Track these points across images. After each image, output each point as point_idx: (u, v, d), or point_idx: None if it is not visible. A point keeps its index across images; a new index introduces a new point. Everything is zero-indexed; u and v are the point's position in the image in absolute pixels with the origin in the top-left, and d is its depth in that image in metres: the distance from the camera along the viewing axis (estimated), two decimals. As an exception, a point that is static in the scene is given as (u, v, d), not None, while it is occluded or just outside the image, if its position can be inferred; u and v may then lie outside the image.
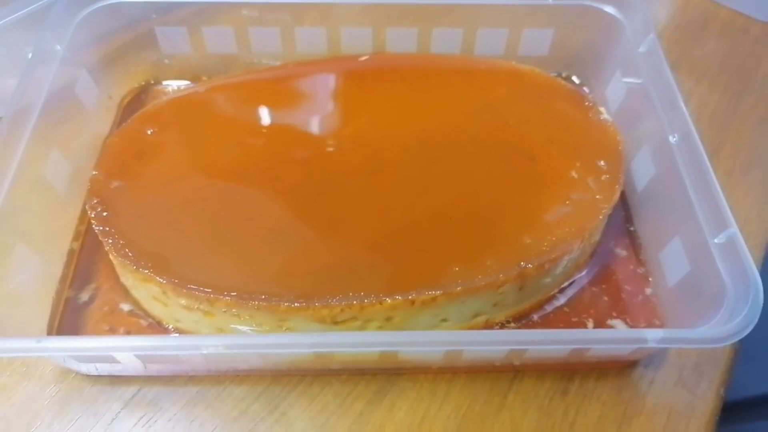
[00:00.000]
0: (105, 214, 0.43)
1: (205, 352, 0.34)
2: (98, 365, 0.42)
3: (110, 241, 0.42)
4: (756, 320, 0.36)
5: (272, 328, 0.41)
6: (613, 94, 0.54)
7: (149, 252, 0.41)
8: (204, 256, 0.42)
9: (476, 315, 0.43)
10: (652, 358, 0.45)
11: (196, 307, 0.41)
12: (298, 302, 0.39)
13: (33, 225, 0.44)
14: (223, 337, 0.36)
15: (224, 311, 0.40)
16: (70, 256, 0.47)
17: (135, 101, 0.57)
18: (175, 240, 0.42)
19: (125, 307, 0.45)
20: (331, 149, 0.47)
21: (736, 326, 0.35)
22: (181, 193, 0.45)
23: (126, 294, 0.46)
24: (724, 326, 0.36)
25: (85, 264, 0.47)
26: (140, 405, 0.42)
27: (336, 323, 0.41)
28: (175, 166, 0.46)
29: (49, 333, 0.44)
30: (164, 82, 0.59)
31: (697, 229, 0.41)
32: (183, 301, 0.40)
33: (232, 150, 0.47)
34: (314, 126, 0.49)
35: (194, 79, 0.58)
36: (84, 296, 0.46)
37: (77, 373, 0.43)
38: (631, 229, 0.50)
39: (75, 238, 0.48)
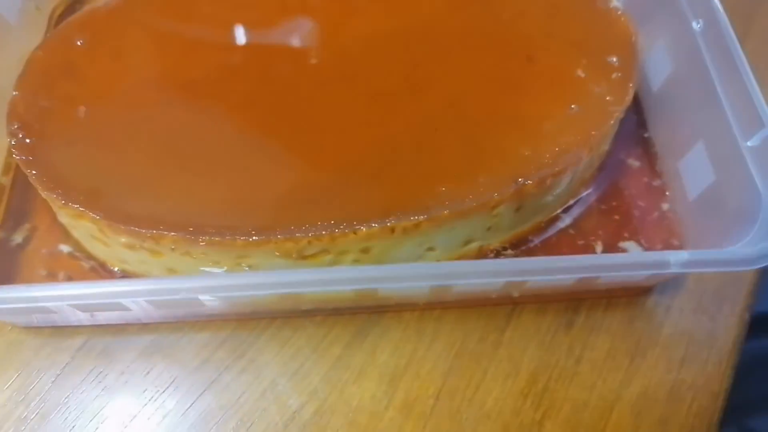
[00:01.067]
0: (28, 141, 0.37)
1: (142, 299, 0.29)
2: (36, 316, 0.37)
3: (34, 172, 0.35)
4: (798, 235, 0.30)
5: (230, 266, 0.35)
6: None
7: (81, 184, 0.35)
8: (146, 186, 0.35)
9: (467, 242, 0.38)
10: (668, 284, 0.39)
11: (139, 246, 0.35)
12: (257, 236, 0.33)
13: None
14: (167, 279, 0.31)
15: (172, 249, 0.34)
16: (0, 192, 0.41)
17: (68, 12, 0.50)
18: (112, 168, 0.36)
19: (64, 248, 0.39)
20: (293, 54, 0.40)
21: (774, 243, 0.30)
22: (118, 114, 0.38)
23: (66, 234, 0.40)
24: (759, 244, 0.30)
25: (18, 201, 0.41)
26: (89, 357, 0.37)
27: (304, 258, 0.35)
28: (110, 83, 0.39)
29: (-21, 280, 0.38)
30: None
31: (725, 131, 0.34)
32: (123, 239, 0.35)
33: (177, 61, 0.40)
34: (272, 29, 0.41)
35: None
36: (17, 238, 0.40)
37: (14, 326, 0.38)
38: (645, 135, 0.43)
39: (4, 171, 0.42)
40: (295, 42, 0.41)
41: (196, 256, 0.35)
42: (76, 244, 0.39)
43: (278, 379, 0.36)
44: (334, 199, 0.35)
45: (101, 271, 0.38)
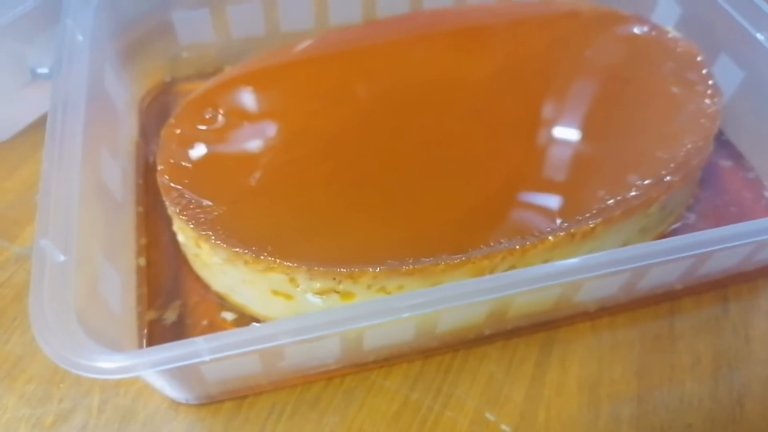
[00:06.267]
0: (193, 205, 0.36)
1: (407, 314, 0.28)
2: (213, 386, 0.34)
3: (211, 234, 0.35)
4: None
5: (423, 297, 0.35)
6: (664, 18, 0.53)
7: (264, 236, 0.35)
8: (328, 230, 0.35)
9: (624, 245, 0.39)
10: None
11: (333, 289, 0.34)
12: (458, 257, 0.34)
13: (103, 238, 0.36)
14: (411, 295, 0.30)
15: (369, 287, 0.34)
16: (140, 273, 0.40)
17: (155, 103, 0.50)
18: (287, 219, 0.36)
19: (228, 316, 0.38)
20: (416, 102, 0.42)
21: None
22: (273, 170, 0.38)
23: (222, 303, 0.38)
24: None
25: (160, 281, 0.40)
26: (279, 424, 0.35)
27: (494, 277, 0.36)
28: (254, 145, 0.40)
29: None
30: (185, 83, 0.51)
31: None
32: (318, 285, 0.34)
33: (312, 119, 0.41)
34: (390, 85, 0.44)
35: (216, 72, 0.52)
36: (171, 316, 0.38)
37: (188, 405, 0.35)
38: (723, 138, 0.48)
39: (139, 253, 0.40)
40: (420, 93, 0.43)
41: (391, 291, 0.35)
42: (240, 310, 0.38)
43: (482, 408, 0.36)
44: (517, 216, 0.36)
45: (275, 331, 0.37)
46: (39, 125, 0.48)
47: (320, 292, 0.35)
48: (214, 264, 0.37)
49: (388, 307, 0.29)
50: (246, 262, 0.34)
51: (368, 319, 0.29)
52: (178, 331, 0.37)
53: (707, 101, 0.43)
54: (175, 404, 0.35)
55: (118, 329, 0.34)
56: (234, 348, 0.28)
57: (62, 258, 0.30)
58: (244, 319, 0.38)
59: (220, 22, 0.50)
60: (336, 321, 0.29)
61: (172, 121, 0.41)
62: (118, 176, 0.40)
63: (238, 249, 0.34)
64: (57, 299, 0.28)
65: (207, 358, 0.27)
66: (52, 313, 0.28)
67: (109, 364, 0.26)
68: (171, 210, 0.36)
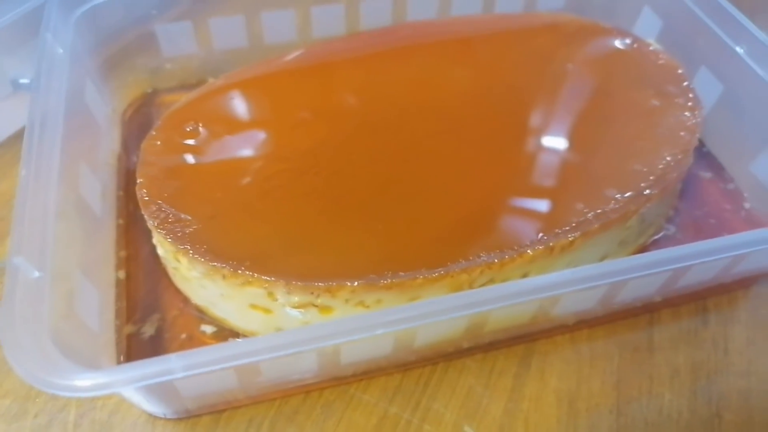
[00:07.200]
0: (171, 219, 0.36)
1: (380, 332, 0.28)
2: (191, 400, 0.34)
3: (189, 249, 0.35)
4: None
5: (402, 311, 0.35)
6: (645, 31, 0.53)
7: (242, 251, 0.35)
8: (306, 245, 0.36)
9: (603, 257, 0.40)
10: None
11: (312, 303, 0.34)
12: (436, 271, 0.34)
13: (81, 252, 0.36)
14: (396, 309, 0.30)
15: (347, 301, 0.34)
16: (119, 287, 0.39)
17: (137, 114, 0.50)
18: (265, 234, 0.36)
19: (207, 329, 0.38)
20: (396, 117, 0.43)
21: None
22: (253, 184, 0.38)
23: (202, 315, 0.38)
24: None
25: (138, 294, 0.40)
26: (257, 439, 0.35)
27: (472, 291, 0.36)
28: (234, 159, 0.40)
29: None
30: (168, 93, 0.51)
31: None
32: (296, 299, 0.34)
33: (292, 133, 0.41)
34: (371, 98, 0.44)
35: (200, 84, 0.52)
36: (149, 329, 0.38)
37: (166, 420, 0.35)
38: (704, 150, 0.48)
39: (118, 266, 0.40)
40: (395, 109, 0.43)
41: (368, 305, 0.35)
42: (219, 323, 0.38)
43: (461, 421, 0.36)
44: (495, 229, 0.37)
45: (254, 345, 0.37)
46: (19, 137, 0.48)
47: (298, 306, 0.35)
48: (193, 278, 0.36)
49: (365, 324, 0.29)
50: (224, 277, 0.34)
51: (344, 336, 0.29)
52: (157, 345, 0.37)
53: (687, 114, 0.43)
54: (152, 419, 0.35)
55: (95, 345, 0.34)
56: (207, 365, 0.27)
57: (36, 274, 0.30)
58: (224, 332, 0.38)
59: (203, 34, 0.50)
60: (311, 338, 0.29)
61: (152, 133, 0.41)
62: (98, 190, 0.40)
63: (216, 263, 0.34)
64: (30, 316, 0.28)
65: (180, 375, 0.27)
66: (24, 331, 0.28)
67: (81, 382, 0.26)
68: (150, 224, 0.36)
